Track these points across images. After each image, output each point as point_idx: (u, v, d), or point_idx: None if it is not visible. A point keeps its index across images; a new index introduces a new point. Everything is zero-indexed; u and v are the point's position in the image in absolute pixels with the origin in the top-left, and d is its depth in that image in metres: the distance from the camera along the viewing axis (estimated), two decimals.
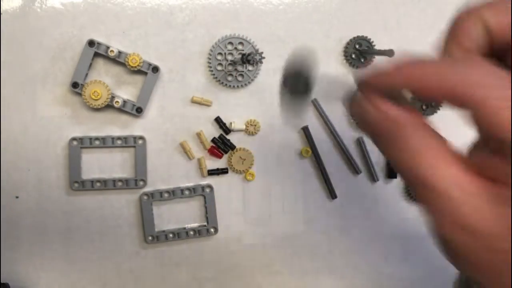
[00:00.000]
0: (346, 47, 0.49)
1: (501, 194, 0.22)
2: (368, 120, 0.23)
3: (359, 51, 0.49)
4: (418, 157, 0.22)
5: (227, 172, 0.49)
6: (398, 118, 0.22)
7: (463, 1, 0.52)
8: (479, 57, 0.23)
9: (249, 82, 0.48)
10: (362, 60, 0.49)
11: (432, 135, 0.22)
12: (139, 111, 0.46)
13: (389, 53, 0.43)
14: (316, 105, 0.49)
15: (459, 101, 0.21)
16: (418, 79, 0.21)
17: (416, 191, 0.23)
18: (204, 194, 0.48)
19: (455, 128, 0.30)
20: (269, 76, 0.48)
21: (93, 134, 0.46)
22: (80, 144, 0.46)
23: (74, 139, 0.46)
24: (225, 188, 0.49)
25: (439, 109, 0.50)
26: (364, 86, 0.23)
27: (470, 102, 0.21)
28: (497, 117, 0.20)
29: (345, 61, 0.49)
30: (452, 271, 0.60)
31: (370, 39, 0.48)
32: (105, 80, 0.45)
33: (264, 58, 0.43)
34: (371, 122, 0.23)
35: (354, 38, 0.48)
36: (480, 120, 0.21)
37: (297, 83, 0.25)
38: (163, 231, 0.48)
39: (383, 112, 0.22)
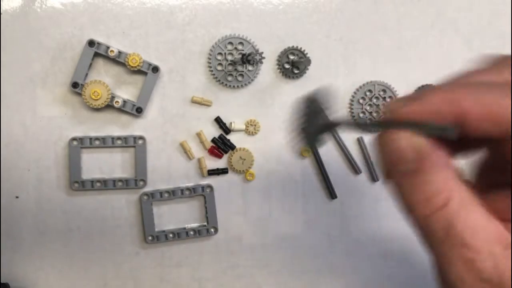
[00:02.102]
0: (279, 59, 0.48)
1: None
2: (400, 148, 0.21)
3: (292, 61, 0.48)
4: (442, 200, 0.21)
5: (227, 172, 0.49)
6: (431, 156, 0.20)
7: (463, 1, 0.52)
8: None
9: (249, 82, 0.48)
10: (296, 71, 0.48)
11: (457, 178, 0.21)
12: (139, 111, 0.46)
13: (306, 62, 0.44)
14: None
15: (491, 125, 0.19)
16: (472, 106, 0.19)
17: (429, 234, 0.22)
18: (204, 194, 0.48)
19: None
20: (269, 76, 0.48)
21: (93, 134, 0.46)
22: (80, 144, 0.46)
23: (74, 139, 0.46)
24: (225, 188, 0.49)
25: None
26: (403, 114, 0.21)
27: (499, 127, 0.19)
28: None
29: (278, 70, 0.48)
30: None
31: (301, 48, 0.48)
32: (105, 80, 0.45)
33: (264, 58, 0.43)
34: (401, 153, 0.20)
35: (285, 49, 0.48)
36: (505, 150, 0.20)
37: (314, 119, 0.25)
38: (163, 231, 0.48)
39: (415, 144, 0.20)
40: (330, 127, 0.25)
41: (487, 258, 0.21)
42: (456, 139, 0.20)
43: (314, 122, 0.24)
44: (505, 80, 0.21)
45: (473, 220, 0.21)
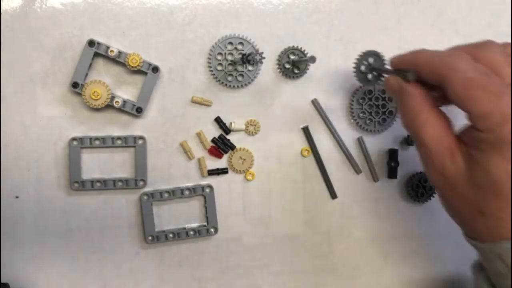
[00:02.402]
0: (279, 59, 0.48)
1: (468, 153, 0.32)
2: (389, 84, 0.38)
3: (292, 61, 0.48)
4: (414, 115, 0.35)
5: (227, 172, 0.49)
6: (406, 87, 0.36)
7: (463, 1, 0.52)
8: (463, 53, 0.34)
9: (249, 82, 0.48)
10: (296, 71, 0.48)
11: (427, 104, 0.35)
12: (139, 111, 0.46)
13: (311, 60, 0.43)
14: (316, 105, 0.49)
15: (440, 79, 0.33)
16: (420, 60, 0.35)
17: (414, 140, 0.37)
18: (204, 194, 0.48)
19: None
20: (269, 76, 0.48)
21: (93, 134, 0.46)
22: (80, 144, 0.46)
23: (74, 139, 0.46)
24: (225, 188, 0.49)
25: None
26: (392, 64, 0.39)
27: (447, 80, 0.32)
28: (463, 94, 0.31)
29: (278, 70, 0.48)
30: (450, 272, 0.60)
31: (301, 48, 0.48)
32: (105, 80, 0.45)
33: (264, 58, 0.43)
34: (391, 86, 0.38)
35: (286, 49, 0.48)
36: (452, 95, 0.32)
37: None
38: (163, 231, 0.48)
39: (398, 81, 0.37)
40: (376, 71, 0.45)
41: (439, 159, 0.33)
42: (413, 80, 0.36)
43: (366, 66, 0.45)
44: (449, 51, 0.36)
45: (433, 131, 0.34)
